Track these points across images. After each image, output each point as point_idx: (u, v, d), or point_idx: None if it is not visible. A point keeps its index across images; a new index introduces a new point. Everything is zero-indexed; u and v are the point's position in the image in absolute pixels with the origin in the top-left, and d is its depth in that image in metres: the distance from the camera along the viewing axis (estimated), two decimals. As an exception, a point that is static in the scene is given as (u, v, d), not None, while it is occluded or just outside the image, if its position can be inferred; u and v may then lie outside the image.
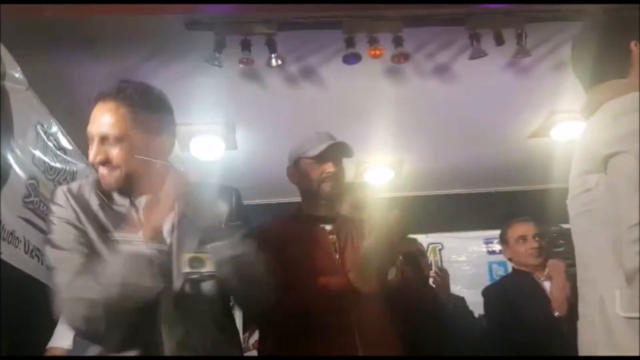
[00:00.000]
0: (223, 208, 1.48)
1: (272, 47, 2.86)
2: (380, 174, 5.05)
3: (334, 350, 1.71)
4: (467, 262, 5.38)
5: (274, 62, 2.90)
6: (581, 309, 1.33)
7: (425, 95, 3.94)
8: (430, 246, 5.29)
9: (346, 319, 1.75)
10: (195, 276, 1.31)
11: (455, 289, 3.41)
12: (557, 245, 5.19)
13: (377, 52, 3.04)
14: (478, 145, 4.70)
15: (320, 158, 1.92)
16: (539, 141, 4.70)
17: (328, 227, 1.94)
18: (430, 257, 5.26)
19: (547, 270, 2.45)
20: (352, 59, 3.08)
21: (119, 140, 1.39)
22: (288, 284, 1.68)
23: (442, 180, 5.25)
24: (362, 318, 1.77)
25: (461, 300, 2.81)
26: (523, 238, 2.66)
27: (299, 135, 4.32)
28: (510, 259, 2.74)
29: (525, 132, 4.61)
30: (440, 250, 5.33)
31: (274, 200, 5.38)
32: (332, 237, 1.92)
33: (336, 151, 1.96)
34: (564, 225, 4.80)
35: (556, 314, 2.34)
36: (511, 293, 2.51)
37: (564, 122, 4.38)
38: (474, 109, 4.19)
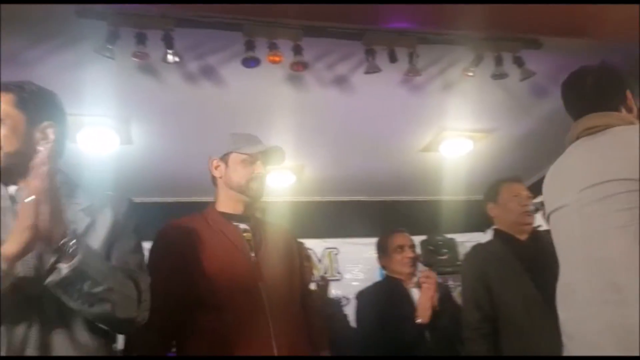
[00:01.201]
0: (107, 221, 1.42)
1: (168, 43, 2.83)
2: (282, 178, 5.12)
3: (251, 350, 1.71)
4: (361, 267, 5.56)
5: (170, 58, 2.87)
6: (628, 310, 1.41)
7: (325, 104, 4.05)
8: (327, 251, 5.43)
9: (262, 317, 1.76)
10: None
11: (350, 292, 3.54)
12: (441, 253, 5.52)
13: (276, 58, 3.10)
14: (374, 155, 4.89)
15: (255, 157, 1.95)
16: (430, 155, 4.98)
17: (242, 226, 1.94)
18: (327, 262, 5.41)
19: (416, 278, 2.60)
20: (251, 62, 3.11)
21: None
22: (199, 281, 1.71)
23: (341, 187, 5.41)
24: (276, 317, 1.79)
25: (337, 304, 2.92)
26: (401, 247, 2.79)
27: (197, 134, 4.30)
28: (384, 267, 2.86)
29: (417, 146, 4.86)
30: (336, 255, 5.46)
31: (170, 199, 5.29)
32: (247, 235, 1.92)
33: (271, 155, 1.99)
34: (448, 235, 5.08)
35: (419, 320, 2.49)
36: (381, 298, 2.63)
37: (451, 139, 4.69)
38: (371, 121, 4.36)
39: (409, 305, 2.56)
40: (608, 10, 3.08)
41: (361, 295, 2.82)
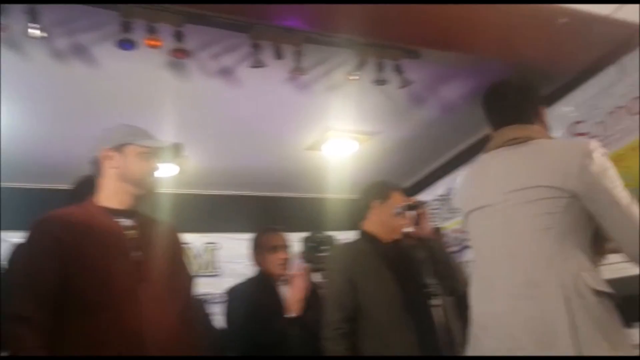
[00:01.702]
0: None
1: (32, 16, 2.59)
2: (164, 169, 4.91)
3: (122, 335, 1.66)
4: (243, 263, 5.48)
5: (33, 32, 2.63)
6: (546, 305, 1.53)
7: (210, 95, 3.94)
8: (207, 246, 5.30)
9: (136, 321, 1.70)
10: None
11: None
12: (321, 250, 5.60)
13: (155, 43, 2.96)
14: (259, 150, 4.86)
15: (154, 151, 1.88)
16: (314, 154, 5.04)
17: (126, 223, 1.84)
18: (206, 257, 5.28)
19: (289, 273, 2.60)
20: (126, 44, 2.94)
21: None
22: (74, 280, 1.65)
23: (224, 180, 5.31)
24: (153, 321, 1.73)
25: (199, 303, 2.84)
26: (274, 248, 2.76)
27: (69, 117, 4.00)
28: (257, 264, 2.82)
29: (302, 144, 4.90)
30: (216, 250, 5.34)
31: (39, 185, 4.90)
32: (131, 232, 1.83)
33: (171, 152, 1.93)
34: (329, 233, 5.15)
35: (288, 314, 2.49)
36: (251, 294, 2.60)
37: (336, 139, 4.77)
38: (256, 116, 4.32)
39: (278, 300, 2.55)
40: (481, 27, 3.27)
41: (231, 292, 2.77)
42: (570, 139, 3.41)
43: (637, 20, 3.22)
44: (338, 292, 2.34)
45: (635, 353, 1.62)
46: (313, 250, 5.28)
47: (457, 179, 5.04)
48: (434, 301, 2.35)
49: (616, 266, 1.87)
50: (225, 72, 3.66)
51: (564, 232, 1.58)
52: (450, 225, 5.16)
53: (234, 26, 3.20)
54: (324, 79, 3.88)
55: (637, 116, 3.32)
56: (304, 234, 5.28)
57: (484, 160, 1.86)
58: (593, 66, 3.62)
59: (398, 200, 2.50)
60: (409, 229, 2.43)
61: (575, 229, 1.60)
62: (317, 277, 5.09)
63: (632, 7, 3.11)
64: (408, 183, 6.00)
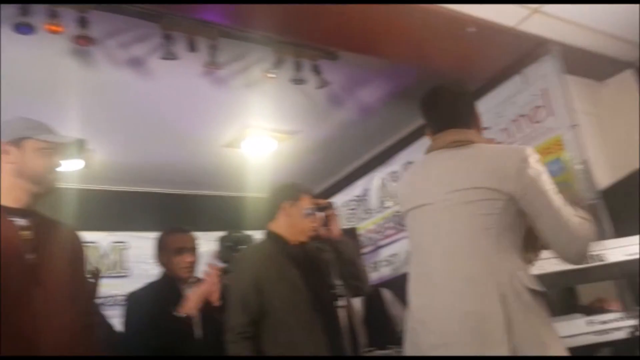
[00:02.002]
0: None
1: None
2: (69, 163, 4.63)
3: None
4: (153, 263, 5.29)
5: None
6: (483, 301, 1.58)
7: (119, 86, 3.75)
8: (114, 245, 5.05)
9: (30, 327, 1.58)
10: None
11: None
12: (237, 250, 5.50)
13: (55, 28, 2.77)
14: (173, 145, 4.70)
15: (56, 147, 1.76)
16: (232, 151, 4.95)
17: (21, 222, 1.69)
18: (114, 257, 5.03)
19: (194, 279, 2.51)
20: (24, 28, 2.74)
21: None
22: None
23: (134, 176, 5.10)
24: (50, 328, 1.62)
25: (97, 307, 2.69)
26: (180, 250, 2.64)
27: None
28: (161, 265, 2.71)
29: (220, 140, 4.79)
30: (124, 249, 5.10)
31: None
32: (26, 233, 1.68)
33: (74, 148, 1.81)
34: (247, 232, 5.06)
35: (181, 314, 2.40)
36: (151, 297, 2.49)
37: (254, 137, 4.71)
38: (170, 109, 4.17)
39: (178, 302, 2.45)
40: (396, 33, 3.34)
41: (131, 296, 2.64)
42: (508, 144, 3.55)
43: (540, 33, 3.41)
44: (242, 295, 2.29)
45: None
46: (229, 250, 5.17)
47: (374, 180, 5.14)
48: (340, 302, 2.35)
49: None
50: (135, 63, 3.50)
51: (501, 232, 1.65)
52: (366, 225, 5.25)
53: (144, 15, 3.07)
54: (241, 75, 3.81)
55: (538, 125, 3.51)
56: (220, 234, 5.23)
57: (425, 161, 1.91)
58: (499, 75, 3.79)
59: (307, 202, 2.48)
60: (318, 231, 2.42)
61: (511, 230, 1.67)
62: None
63: (536, 20, 3.28)
64: (326, 183, 6.04)
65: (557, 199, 1.66)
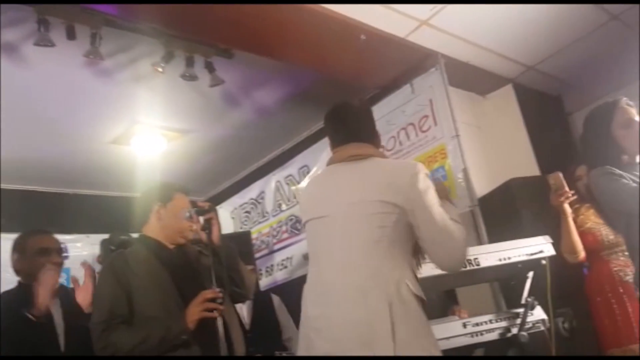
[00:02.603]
0: None
1: None
2: None
3: None
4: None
5: None
6: (371, 311, 1.66)
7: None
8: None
9: None
10: None
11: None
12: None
13: None
14: (53, 140, 4.37)
15: None
16: (120, 149, 4.69)
17: None
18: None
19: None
20: None
21: None
22: None
23: (9, 173, 4.66)
24: None
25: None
26: (45, 251, 2.38)
27: None
28: (18, 271, 2.45)
29: (107, 136, 4.52)
30: (-6, 251, 4.64)
31: None
32: None
33: None
34: (134, 235, 4.79)
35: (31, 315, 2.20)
36: (9, 311, 2.24)
37: (144, 134, 4.49)
38: (49, 100, 3.87)
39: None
40: (292, 35, 3.32)
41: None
42: (402, 160, 3.64)
43: (428, 45, 3.54)
44: (109, 301, 2.12)
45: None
46: (113, 253, 4.92)
47: (270, 183, 5.09)
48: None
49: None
50: (8, 49, 3.21)
51: (392, 243, 1.74)
52: (261, 229, 5.18)
53: (17, -3, 2.81)
54: (129, 68, 3.61)
55: (424, 134, 3.64)
56: (103, 236, 4.91)
57: (326, 173, 1.99)
58: (391, 84, 3.91)
59: (183, 203, 2.35)
60: (196, 234, 2.31)
61: (402, 241, 1.76)
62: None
63: (425, 32, 3.41)
64: (221, 185, 5.91)
65: (440, 213, 1.75)
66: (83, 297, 2.57)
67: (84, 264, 2.84)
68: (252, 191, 5.33)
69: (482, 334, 2.48)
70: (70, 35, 2.97)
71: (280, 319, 3.48)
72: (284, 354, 3.29)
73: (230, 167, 5.60)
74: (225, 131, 4.75)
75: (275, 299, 3.60)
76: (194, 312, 2.08)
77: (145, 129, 4.47)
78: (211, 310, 2.08)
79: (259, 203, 5.26)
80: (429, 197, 1.76)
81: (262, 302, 3.55)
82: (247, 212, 5.40)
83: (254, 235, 5.11)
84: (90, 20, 3.02)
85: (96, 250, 4.99)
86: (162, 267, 2.19)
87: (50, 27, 2.94)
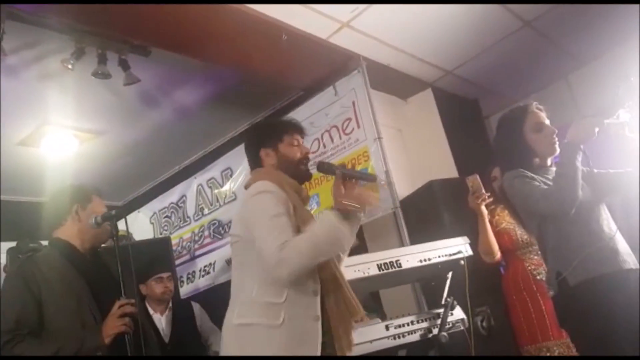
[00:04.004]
0: None
1: None
2: None
3: None
4: None
5: None
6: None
7: None
8: None
9: None
10: None
11: None
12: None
13: None
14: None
15: None
16: (30, 150, 4.38)
17: None
18: None
19: None
20: None
21: None
22: None
23: None
24: None
25: None
26: None
27: None
28: None
29: (14, 137, 4.20)
30: None
31: None
32: None
33: None
34: (45, 242, 4.50)
35: None
36: None
37: (53, 135, 4.21)
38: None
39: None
40: (213, 33, 3.22)
41: None
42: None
43: (349, 47, 3.55)
44: (17, 308, 1.97)
45: None
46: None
47: (192, 187, 4.93)
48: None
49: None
50: None
51: (240, 269, 1.91)
52: (182, 234, 5.02)
53: None
54: (36, 65, 3.38)
55: (347, 136, 3.65)
56: (10, 244, 4.58)
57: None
58: (314, 85, 3.89)
59: (100, 206, 2.23)
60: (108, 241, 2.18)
61: (247, 265, 1.87)
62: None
63: (346, 34, 3.41)
64: (140, 189, 5.67)
65: (264, 231, 1.78)
66: None
67: None
68: (172, 195, 5.15)
69: (404, 336, 2.50)
70: (-34, 27, 2.72)
71: (201, 327, 3.37)
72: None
73: (149, 170, 5.37)
74: (143, 132, 4.54)
75: (196, 307, 3.48)
76: (112, 325, 1.98)
77: (55, 130, 4.20)
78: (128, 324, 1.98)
79: (180, 207, 5.09)
80: (251, 221, 1.84)
81: (182, 309, 3.43)
82: (167, 216, 5.21)
83: (174, 241, 4.93)
84: (-13, 12, 2.78)
85: (2, 259, 4.66)
86: (77, 274, 2.07)
87: (-56, 17, 2.69)
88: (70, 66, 3.18)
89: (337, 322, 1.83)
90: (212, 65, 3.72)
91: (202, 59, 3.57)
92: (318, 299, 1.81)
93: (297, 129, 2.11)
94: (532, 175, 1.97)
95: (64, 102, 3.83)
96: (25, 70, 3.40)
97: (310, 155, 2.03)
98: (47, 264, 2.09)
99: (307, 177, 2.06)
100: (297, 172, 2.02)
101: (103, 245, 2.25)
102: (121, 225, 2.24)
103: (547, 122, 2.07)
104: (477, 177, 2.72)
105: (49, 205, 2.30)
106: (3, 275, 4.76)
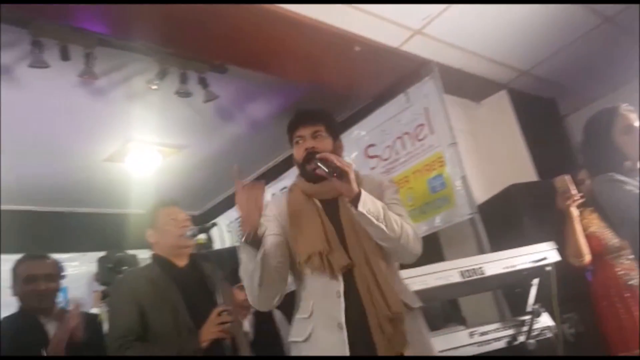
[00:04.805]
0: None
1: None
2: None
3: None
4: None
5: None
6: None
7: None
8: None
9: None
10: None
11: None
12: (121, 271, 5.16)
13: None
14: (47, 160, 4.32)
15: None
16: (116, 166, 4.65)
17: None
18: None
19: (55, 311, 2.27)
20: None
21: None
22: None
23: (3, 194, 4.61)
24: None
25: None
26: (31, 278, 2.32)
27: None
28: (16, 296, 2.40)
29: (101, 154, 4.48)
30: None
31: None
32: None
33: None
34: (130, 252, 4.75)
35: (45, 354, 2.16)
36: (7, 336, 2.20)
37: (138, 151, 4.46)
38: (44, 121, 3.84)
39: (41, 339, 2.20)
40: (285, 49, 3.31)
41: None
42: None
43: (421, 54, 3.55)
44: (122, 317, 2.16)
45: None
46: (110, 272, 4.87)
47: (267, 195, 5.05)
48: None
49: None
50: (3, 71, 3.18)
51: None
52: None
53: (9, 20, 2.79)
54: (123, 86, 3.59)
55: (420, 142, 3.64)
56: (100, 254, 4.87)
57: None
58: (385, 93, 3.91)
59: (167, 216, 2.36)
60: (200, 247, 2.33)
61: None
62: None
63: (418, 41, 3.42)
64: (215, 200, 5.88)
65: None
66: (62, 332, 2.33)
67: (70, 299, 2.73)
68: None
69: (489, 343, 2.47)
70: (64, 55, 2.95)
71: (283, 332, 3.45)
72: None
73: (226, 181, 5.55)
74: (220, 145, 4.73)
75: (277, 313, 3.57)
76: (209, 332, 2.11)
77: (139, 146, 4.45)
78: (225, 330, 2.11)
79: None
80: None
81: (263, 316, 3.52)
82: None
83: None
84: (83, 40, 3.00)
85: (93, 268, 4.96)
86: (172, 285, 2.22)
87: (44, 48, 2.91)
88: (155, 86, 3.37)
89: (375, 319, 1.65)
90: (283, 79, 3.82)
91: (276, 74, 3.67)
92: (342, 301, 1.67)
93: (295, 122, 1.86)
94: (624, 179, 1.91)
95: (147, 120, 4.06)
96: (112, 91, 3.63)
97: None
98: (146, 276, 2.27)
99: (312, 178, 1.78)
100: (305, 175, 1.81)
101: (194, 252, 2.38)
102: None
103: (637, 123, 2.00)
104: (566, 177, 2.64)
105: (142, 219, 2.46)
106: (94, 284, 5.11)
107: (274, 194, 4.96)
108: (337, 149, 1.86)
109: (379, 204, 1.69)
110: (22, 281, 2.32)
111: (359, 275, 1.69)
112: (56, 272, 2.40)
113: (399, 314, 1.64)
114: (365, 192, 1.67)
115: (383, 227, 1.65)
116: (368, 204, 1.65)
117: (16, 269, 2.37)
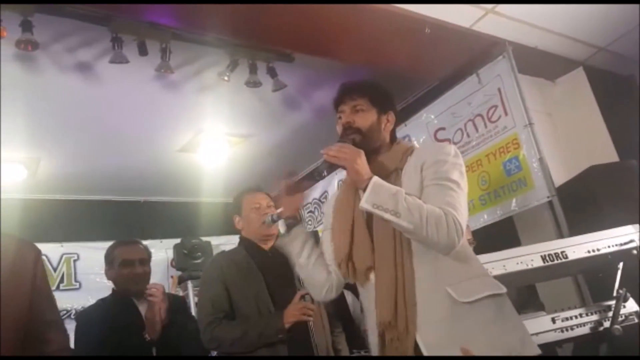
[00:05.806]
0: None
1: None
2: (10, 172, 4.38)
3: None
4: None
5: None
6: None
7: (66, 91, 3.59)
8: (64, 257, 4.81)
9: None
10: None
11: (89, 303, 3.11)
12: (195, 257, 5.34)
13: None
14: (125, 151, 4.53)
15: None
16: (189, 156, 4.81)
17: None
18: (64, 269, 4.79)
19: (147, 292, 2.38)
20: (-40, 33, 2.57)
21: None
22: None
23: (84, 184, 4.89)
24: None
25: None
26: (127, 262, 2.42)
27: None
28: (111, 280, 2.54)
29: (175, 145, 4.65)
30: (75, 261, 4.86)
31: None
32: None
33: None
34: (204, 238, 4.91)
35: (147, 337, 2.28)
36: (104, 316, 2.33)
37: (209, 141, 4.60)
38: (121, 115, 4.03)
39: (137, 320, 2.33)
40: (351, 34, 3.30)
41: (81, 316, 2.49)
42: None
43: (494, 33, 3.44)
44: (210, 294, 2.33)
45: None
46: (186, 257, 5.07)
47: (333, 182, 5.09)
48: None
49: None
50: (83, 68, 3.35)
51: None
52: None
53: (90, 18, 2.93)
54: (195, 79, 3.71)
55: (493, 124, 3.55)
56: (176, 241, 5.08)
57: None
58: (454, 75, 3.82)
59: (251, 203, 2.47)
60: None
61: None
62: (190, 285, 4.85)
63: (490, 20, 3.31)
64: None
65: None
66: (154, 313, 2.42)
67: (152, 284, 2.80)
68: (315, 191, 5.35)
69: (572, 329, 2.40)
70: (142, 51, 3.07)
71: (354, 313, 3.48)
72: (362, 352, 3.29)
73: (291, 169, 5.63)
74: (285, 133, 4.80)
75: (349, 296, 3.60)
76: (292, 314, 2.21)
77: (210, 136, 4.58)
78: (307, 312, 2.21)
79: (322, 203, 5.27)
80: None
81: (336, 299, 3.55)
82: (310, 211, 5.43)
83: (320, 235, 5.12)
84: (159, 35, 3.11)
85: (169, 254, 5.20)
86: (256, 268, 2.34)
87: (123, 44, 3.05)
88: (226, 78, 3.45)
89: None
90: (348, 64, 3.81)
91: (343, 60, 3.67)
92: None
93: (337, 97, 1.78)
94: None
95: (218, 110, 4.17)
96: (185, 84, 3.74)
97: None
98: (233, 259, 2.41)
99: None
100: None
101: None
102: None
103: None
104: None
105: (230, 206, 2.59)
106: (171, 269, 5.34)
107: (341, 180, 5.00)
108: (383, 122, 1.72)
109: (395, 191, 1.49)
110: (119, 265, 2.44)
111: (378, 279, 1.55)
112: (147, 257, 2.52)
113: (385, 323, 1.50)
114: (375, 180, 1.50)
115: (395, 220, 1.46)
116: (373, 197, 1.48)
117: (111, 254, 2.50)
